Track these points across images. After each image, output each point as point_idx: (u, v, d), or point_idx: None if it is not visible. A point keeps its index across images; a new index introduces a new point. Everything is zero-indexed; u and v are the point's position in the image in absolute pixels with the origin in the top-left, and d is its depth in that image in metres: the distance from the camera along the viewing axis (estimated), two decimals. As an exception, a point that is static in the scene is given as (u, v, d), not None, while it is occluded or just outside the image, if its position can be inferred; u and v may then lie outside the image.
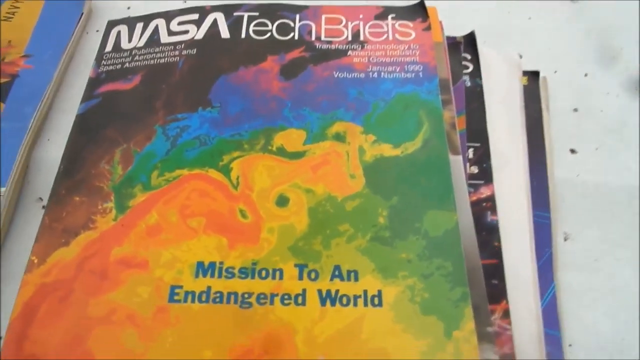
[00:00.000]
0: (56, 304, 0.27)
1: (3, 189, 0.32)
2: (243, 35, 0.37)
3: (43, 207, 0.33)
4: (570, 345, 0.29)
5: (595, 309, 0.30)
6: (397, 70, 0.34)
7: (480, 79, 0.36)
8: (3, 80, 0.36)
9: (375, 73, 0.34)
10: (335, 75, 0.34)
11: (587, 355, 0.29)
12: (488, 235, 0.30)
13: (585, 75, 0.40)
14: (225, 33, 0.37)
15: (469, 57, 0.37)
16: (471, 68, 0.36)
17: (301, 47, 0.36)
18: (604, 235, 0.33)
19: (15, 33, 0.39)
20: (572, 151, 0.36)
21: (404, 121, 0.32)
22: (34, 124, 0.35)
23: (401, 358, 0.25)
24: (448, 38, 0.36)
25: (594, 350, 0.29)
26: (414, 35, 0.36)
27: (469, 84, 0.36)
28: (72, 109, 0.37)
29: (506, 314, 0.28)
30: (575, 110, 0.38)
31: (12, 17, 0.40)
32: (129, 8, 0.43)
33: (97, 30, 0.42)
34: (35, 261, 0.28)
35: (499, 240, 0.30)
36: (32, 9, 0.41)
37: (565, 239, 0.33)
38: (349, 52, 0.36)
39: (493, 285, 0.29)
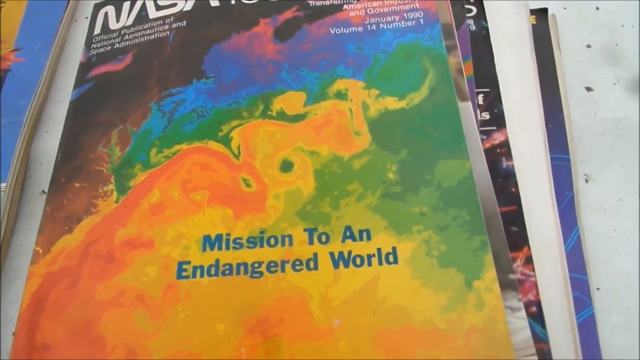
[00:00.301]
0: (64, 292, 0.27)
1: (3, 185, 0.31)
2: (233, 1, 0.35)
3: (48, 199, 0.33)
4: (598, 289, 0.28)
5: (623, 251, 0.29)
6: (397, 19, 0.33)
7: (486, 21, 0.34)
8: (-6, 76, 0.36)
9: (374, 25, 0.33)
10: (332, 32, 0.33)
11: (616, 299, 0.28)
12: (504, 182, 0.29)
13: (597, 8, 0.38)
14: (214, 1, 0.36)
15: (471, -1, 0.35)
16: (475, 11, 0.35)
17: (294, 6, 0.34)
18: (628, 174, 0.31)
19: (3, 28, 0.39)
20: (588, 89, 0.34)
21: (408, 72, 0.31)
22: (30, 116, 0.34)
23: (421, 314, 0.24)
24: (447, -19, 0.35)
25: (623, 294, 0.28)
26: (411, -20, 0.34)
27: (473, 27, 0.34)
28: (67, 99, 0.36)
29: (529, 260, 0.27)
30: (589, 46, 0.36)
31: (-1, 13, 0.40)
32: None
33: (87, 17, 0.41)
34: (40, 251, 0.28)
35: (516, 186, 0.29)
36: (17, 2, 0.40)
37: (587, 181, 0.31)
38: (345, 7, 0.34)
39: (513, 233, 0.28)
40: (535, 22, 0.35)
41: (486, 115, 0.31)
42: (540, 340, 0.25)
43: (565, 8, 0.38)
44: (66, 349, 0.25)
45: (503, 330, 0.24)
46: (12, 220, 0.32)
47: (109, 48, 0.35)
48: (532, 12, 0.36)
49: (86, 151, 0.31)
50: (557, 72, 0.34)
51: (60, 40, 0.39)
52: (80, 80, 0.34)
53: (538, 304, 0.26)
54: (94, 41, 0.36)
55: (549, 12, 0.36)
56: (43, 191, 0.33)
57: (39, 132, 0.35)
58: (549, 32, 0.35)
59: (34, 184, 0.34)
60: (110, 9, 0.37)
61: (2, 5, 0.40)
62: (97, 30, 0.36)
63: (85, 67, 0.34)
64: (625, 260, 0.29)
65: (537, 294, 0.26)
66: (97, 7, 0.38)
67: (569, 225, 0.29)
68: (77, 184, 0.30)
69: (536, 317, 0.25)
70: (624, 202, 0.30)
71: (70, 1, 0.40)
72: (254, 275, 0.26)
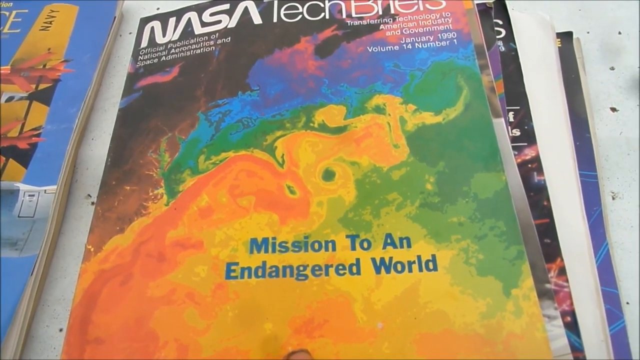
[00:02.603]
0: (117, 288, 0.28)
1: (53, 187, 0.33)
2: (275, 20, 0.37)
3: (92, 203, 0.34)
4: (627, 303, 0.29)
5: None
6: (431, 39, 0.34)
7: (514, 43, 0.36)
8: (46, 85, 0.38)
9: (410, 44, 0.35)
10: (370, 50, 0.35)
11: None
12: (536, 196, 0.30)
13: (619, 33, 0.39)
14: (257, 19, 0.37)
15: (500, 22, 0.37)
16: (504, 33, 0.36)
17: (333, 25, 0.36)
18: (654, 192, 0.32)
19: (54, 40, 0.40)
20: (613, 109, 0.36)
21: (443, 88, 0.32)
22: (79, 123, 0.36)
23: (461, 319, 0.25)
24: (478, 5, 0.36)
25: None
26: (444, 4, 0.36)
27: (502, 48, 0.36)
28: (113, 108, 0.38)
29: (562, 272, 0.28)
30: (612, 69, 0.38)
31: (50, 27, 0.42)
32: (158, 9, 0.44)
33: (130, 33, 0.43)
34: (92, 250, 0.29)
35: (548, 200, 0.30)
36: (67, 16, 0.42)
37: (614, 198, 0.32)
38: (381, 27, 0.36)
39: (546, 244, 0.28)
40: (560, 45, 0.37)
41: (517, 132, 0.33)
42: (576, 349, 0.25)
43: (588, 32, 0.39)
44: (119, 342, 0.26)
45: (542, 337, 0.24)
46: (59, 222, 0.33)
47: (155, 60, 0.37)
48: (557, 35, 0.37)
49: (136, 156, 0.32)
50: (583, 93, 0.35)
51: (107, 54, 0.40)
52: (128, 89, 0.36)
53: (572, 313, 0.26)
54: (140, 54, 0.37)
55: (574, 36, 0.37)
56: (89, 195, 0.35)
57: (85, 139, 0.37)
58: (574, 54, 0.37)
59: (80, 187, 0.35)
60: (156, 24, 0.39)
61: (52, 18, 0.42)
62: (144, 43, 0.38)
63: (133, 78, 0.36)
64: (654, 276, 0.29)
65: (571, 304, 0.27)
66: (144, 22, 0.39)
67: (599, 240, 0.30)
68: (128, 187, 0.31)
69: (571, 326, 0.26)
70: (651, 219, 0.31)
71: (116, 17, 0.42)
72: (300, 277, 0.27)
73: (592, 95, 0.36)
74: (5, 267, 0.30)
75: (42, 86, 0.38)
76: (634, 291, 0.29)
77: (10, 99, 0.37)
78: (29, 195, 0.32)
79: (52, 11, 0.42)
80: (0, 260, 0.30)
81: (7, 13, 0.42)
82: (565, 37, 0.37)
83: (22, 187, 0.33)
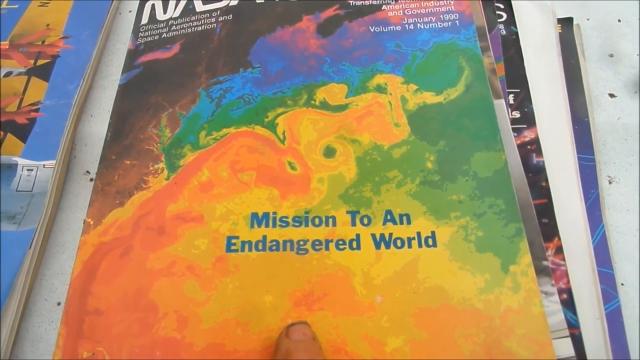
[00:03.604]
0: (116, 260, 0.28)
1: (52, 162, 0.32)
2: (277, -2, 0.37)
3: (91, 179, 0.34)
4: (622, 284, 0.29)
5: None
6: (433, 20, 0.35)
7: (515, 26, 0.36)
8: (45, 61, 0.37)
9: (412, 25, 0.35)
10: (372, 30, 0.35)
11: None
12: (535, 176, 0.30)
13: (619, 21, 0.40)
14: (259, -3, 0.37)
15: (501, 6, 0.37)
16: (505, 17, 0.36)
17: (335, 5, 0.36)
18: (650, 177, 0.33)
19: (52, 17, 0.40)
20: (612, 95, 0.36)
21: (444, 69, 0.32)
22: (78, 100, 0.36)
23: (459, 294, 0.25)
24: (480, -12, 0.36)
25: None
26: (446, -15, 0.36)
27: (504, 32, 0.36)
28: (112, 86, 0.38)
29: (559, 250, 0.28)
30: (611, 55, 0.38)
31: (49, 3, 0.41)
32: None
33: (130, 11, 0.43)
34: (92, 223, 0.29)
35: (546, 180, 0.30)
36: (66, -8, 0.42)
37: (610, 182, 0.33)
38: (384, 7, 0.36)
39: (544, 224, 0.29)
40: (561, 31, 0.37)
41: (517, 114, 0.33)
42: (572, 325, 0.26)
43: (588, 19, 0.40)
44: (118, 313, 0.26)
45: (539, 312, 0.25)
46: (58, 197, 0.33)
47: (156, 37, 0.37)
48: (558, 21, 0.37)
49: (136, 131, 0.32)
50: (582, 78, 0.35)
51: (106, 31, 0.40)
52: (128, 65, 0.35)
53: (569, 291, 0.27)
54: (141, 30, 0.37)
55: (574, 22, 0.38)
56: (87, 171, 0.34)
57: (84, 116, 0.37)
58: (574, 40, 0.37)
59: (78, 163, 0.35)
60: (157, 1, 0.39)
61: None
62: (145, 20, 0.38)
63: (133, 54, 0.36)
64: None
65: (568, 282, 0.27)
66: (144, -1, 0.39)
67: (595, 222, 0.30)
68: (128, 162, 0.31)
69: (567, 303, 0.26)
70: (646, 203, 0.32)
71: (116, -6, 0.42)
72: (300, 252, 0.27)
73: (591, 81, 0.36)
74: (3, 240, 0.30)
75: (40, 62, 0.37)
76: (629, 273, 0.29)
77: (8, 74, 0.37)
78: (28, 170, 0.32)
79: (51, -13, 0.42)
80: (-2, 233, 0.30)
81: (6, -12, 0.42)
82: (566, 23, 0.38)
83: (21, 161, 0.33)
